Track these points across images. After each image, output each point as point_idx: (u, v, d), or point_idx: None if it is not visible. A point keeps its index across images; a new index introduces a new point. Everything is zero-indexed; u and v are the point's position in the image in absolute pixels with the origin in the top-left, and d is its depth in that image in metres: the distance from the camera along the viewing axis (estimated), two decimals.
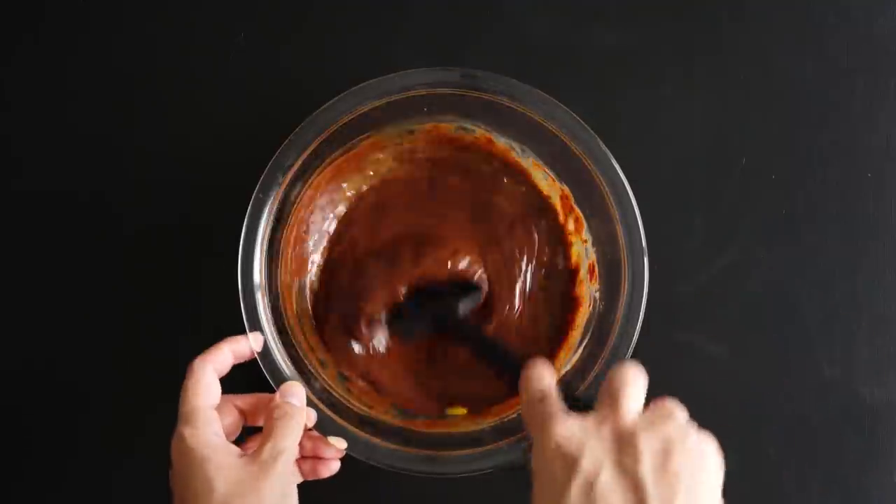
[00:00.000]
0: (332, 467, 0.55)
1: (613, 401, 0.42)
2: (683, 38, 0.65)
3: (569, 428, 0.41)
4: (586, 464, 0.39)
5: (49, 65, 0.64)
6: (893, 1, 0.65)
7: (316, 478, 0.55)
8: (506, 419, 0.58)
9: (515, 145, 0.61)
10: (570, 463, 0.39)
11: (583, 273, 0.61)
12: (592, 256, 0.60)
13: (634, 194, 0.56)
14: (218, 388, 0.51)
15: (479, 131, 0.61)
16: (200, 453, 0.46)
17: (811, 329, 0.63)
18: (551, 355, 0.61)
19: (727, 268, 0.63)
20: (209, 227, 0.62)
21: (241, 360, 0.53)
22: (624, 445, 0.39)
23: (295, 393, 0.52)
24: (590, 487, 0.38)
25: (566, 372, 0.58)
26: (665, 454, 0.39)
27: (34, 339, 0.63)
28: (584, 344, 0.59)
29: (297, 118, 0.56)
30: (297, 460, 0.54)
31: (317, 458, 0.55)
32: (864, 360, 0.63)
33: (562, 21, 0.65)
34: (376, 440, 0.55)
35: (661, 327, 0.60)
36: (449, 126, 0.60)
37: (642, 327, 0.55)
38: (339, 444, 0.54)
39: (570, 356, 0.59)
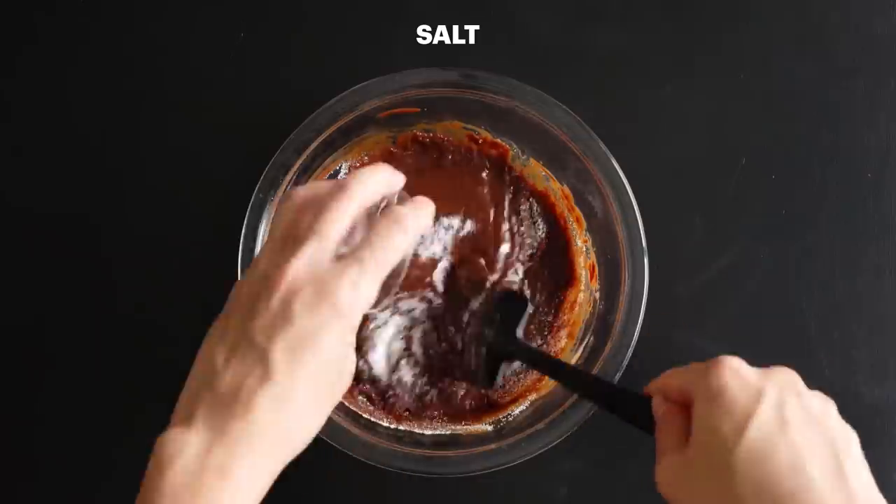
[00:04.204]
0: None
1: (779, 366, 0.45)
2: (684, 38, 0.65)
3: (744, 363, 0.44)
4: (772, 393, 0.42)
5: (49, 66, 0.64)
6: (894, 1, 0.65)
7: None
8: (504, 420, 0.59)
9: (515, 145, 0.61)
10: (756, 389, 0.41)
11: (582, 273, 0.61)
12: (592, 256, 0.60)
13: (634, 194, 0.56)
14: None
15: (482, 132, 0.61)
16: None
17: (811, 329, 0.63)
18: (551, 352, 0.61)
19: (727, 268, 0.63)
20: (210, 226, 0.62)
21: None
22: (800, 389, 0.43)
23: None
24: (781, 412, 0.41)
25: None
26: (828, 409, 0.44)
27: (33, 338, 0.63)
28: (585, 343, 0.59)
29: (297, 118, 0.56)
30: None
31: None
32: (864, 360, 0.63)
33: (562, 21, 0.65)
34: (376, 440, 0.55)
35: (661, 327, 0.60)
36: (451, 126, 0.61)
37: (642, 327, 0.55)
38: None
39: (571, 355, 0.59)
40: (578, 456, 0.61)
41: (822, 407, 0.43)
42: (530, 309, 0.60)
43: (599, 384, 0.53)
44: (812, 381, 0.62)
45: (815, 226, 0.64)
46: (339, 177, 0.61)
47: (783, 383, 0.42)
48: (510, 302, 0.59)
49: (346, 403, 0.58)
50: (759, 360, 0.62)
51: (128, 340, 0.62)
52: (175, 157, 0.63)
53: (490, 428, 0.58)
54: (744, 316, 0.63)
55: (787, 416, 0.41)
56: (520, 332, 0.59)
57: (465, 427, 0.59)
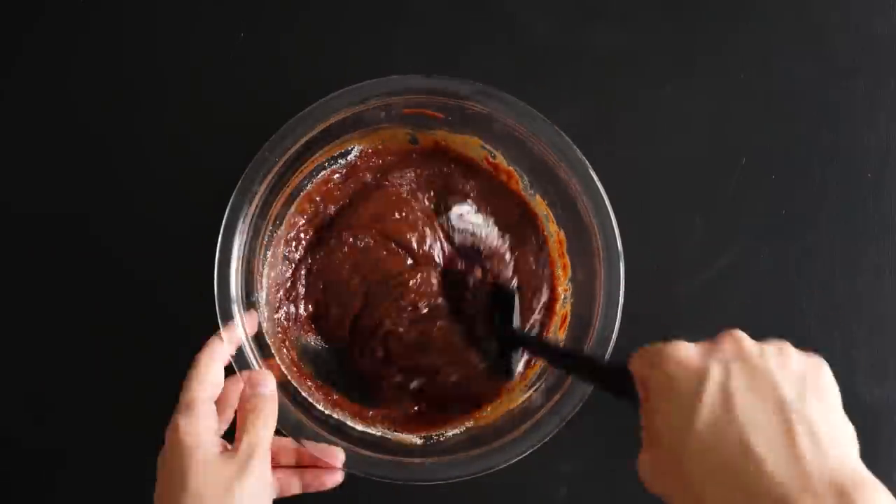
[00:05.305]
0: (336, 477, 0.54)
1: (726, 332, 0.43)
2: (684, 38, 0.65)
3: (688, 347, 0.42)
4: (715, 372, 0.39)
5: (48, 67, 0.64)
6: (894, 1, 0.65)
7: (319, 489, 0.54)
8: (477, 427, 0.58)
9: (525, 177, 0.60)
10: (699, 374, 0.40)
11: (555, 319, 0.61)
12: (567, 307, 0.60)
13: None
14: (221, 381, 0.50)
15: (499, 156, 0.60)
16: (187, 446, 0.46)
17: (811, 329, 0.63)
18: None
19: (727, 268, 0.63)
20: (209, 227, 0.62)
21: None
22: (746, 352, 0.40)
23: (264, 382, 0.50)
24: (725, 390, 0.39)
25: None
26: (782, 353, 0.40)
27: (32, 338, 0.63)
28: (539, 384, 0.58)
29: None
30: (300, 471, 0.54)
31: (317, 467, 0.54)
32: (864, 360, 0.63)
33: (562, 21, 0.65)
34: (356, 448, 0.54)
35: (661, 327, 0.60)
36: (471, 141, 0.60)
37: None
38: (339, 454, 0.53)
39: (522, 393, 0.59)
40: (578, 456, 0.61)
41: (777, 359, 0.40)
42: (517, 299, 0.59)
43: (595, 364, 0.52)
44: None
45: (815, 226, 0.64)
46: (349, 157, 0.61)
47: (727, 354, 0.40)
48: (501, 296, 0.60)
49: (362, 428, 0.58)
50: None
51: (128, 340, 0.62)
52: (175, 157, 0.63)
53: (465, 436, 0.58)
54: (744, 316, 0.63)
55: (731, 392, 0.39)
56: (516, 322, 0.59)
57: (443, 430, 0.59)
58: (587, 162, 0.55)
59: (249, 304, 0.56)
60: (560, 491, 0.62)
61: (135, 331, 0.62)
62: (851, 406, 0.60)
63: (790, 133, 0.65)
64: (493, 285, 0.60)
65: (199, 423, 0.47)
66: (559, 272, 0.61)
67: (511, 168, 0.60)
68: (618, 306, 0.54)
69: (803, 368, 0.40)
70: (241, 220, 0.55)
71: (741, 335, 0.42)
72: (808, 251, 0.64)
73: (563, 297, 0.60)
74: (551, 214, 0.60)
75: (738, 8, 0.65)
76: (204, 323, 0.62)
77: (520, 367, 0.59)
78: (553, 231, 0.60)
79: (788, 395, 0.39)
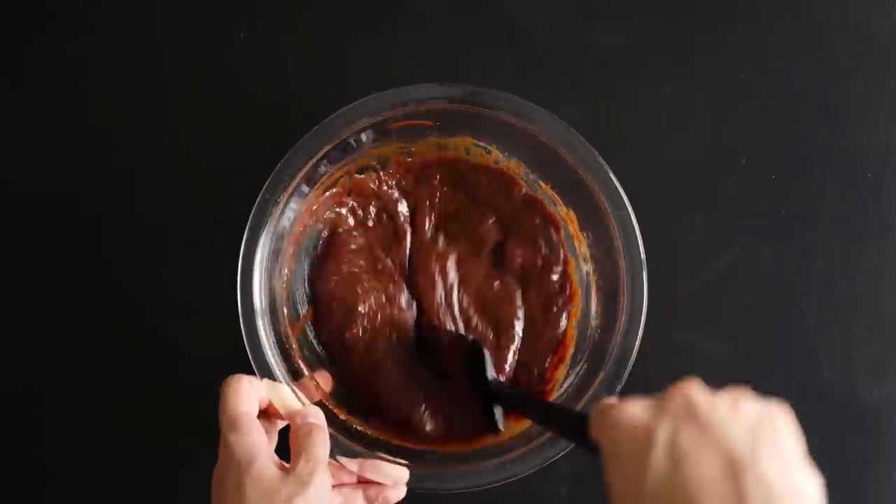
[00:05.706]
0: (399, 492, 0.54)
1: (674, 386, 0.41)
2: (683, 37, 0.65)
3: (634, 406, 0.40)
4: (663, 433, 0.38)
5: (47, 67, 0.64)
6: (894, 1, 0.65)
7: None
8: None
9: (524, 166, 0.61)
10: (646, 436, 0.38)
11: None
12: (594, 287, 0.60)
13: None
14: (256, 399, 0.50)
15: (494, 150, 0.60)
16: (241, 461, 0.46)
17: (811, 329, 0.63)
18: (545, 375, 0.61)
19: (727, 268, 0.63)
20: (209, 227, 0.62)
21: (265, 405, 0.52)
22: (694, 404, 0.39)
23: (314, 414, 0.52)
24: (674, 453, 0.37)
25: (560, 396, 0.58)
26: (735, 404, 0.38)
27: (30, 337, 0.63)
28: (579, 368, 0.58)
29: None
30: (362, 486, 0.54)
31: (375, 483, 0.54)
32: (864, 360, 0.63)
33: (562, 21, 0.65)
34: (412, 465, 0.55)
35: (661, 327, 0.60)
36: (463, 141, 0.60)
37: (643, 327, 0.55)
38: (403, 472, 0.54)
39: (562, 381, 0.59)
40: (578, 456, 0.61)
41: (730, 412, 0.38)
42: (487, 354, 0.58)
43: (558, 414, 0.51)
44: (812, 382, 0.63)
45: (815, 226, 0.64)
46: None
47: (677, 410, 0.39)
48: (472, 349, 0.58)
49: (349, 425, 0.58)
50: (759, 360, 0.63)
51: (128, 340, 0.62)
52: (175, 158, 0.63)
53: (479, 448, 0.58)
54: (744, 316, 0.63)
55: (681, 450, 0.37)
56: (490, 374, 0.57)
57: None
58: (601, 160, 0.56)
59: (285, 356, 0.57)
60: (560, 491, 0.62)
61: (135, 331, 0.62)
62: (851, 406, 0.60)
63: (790, 133, 0.65)
64: (459, 339, 0.59)
65: (250, 437, 0.47)
66: (578, 247, 0.61)
67: (511, 160, 0.60)
68: (643, 272, 0.55)
69: (758, 420, 0.38)
70: (256, 272, 0.55)
71: (692, 388, 0.40)
72: (808, 251, 0.64)
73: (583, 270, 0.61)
74: (556, 196, 0.60)
75: (736, 8, 0.65)
76: (204, 323, 0.62)
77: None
78: (563, 212, 0.61)
79: (741, 452, 0.36)
